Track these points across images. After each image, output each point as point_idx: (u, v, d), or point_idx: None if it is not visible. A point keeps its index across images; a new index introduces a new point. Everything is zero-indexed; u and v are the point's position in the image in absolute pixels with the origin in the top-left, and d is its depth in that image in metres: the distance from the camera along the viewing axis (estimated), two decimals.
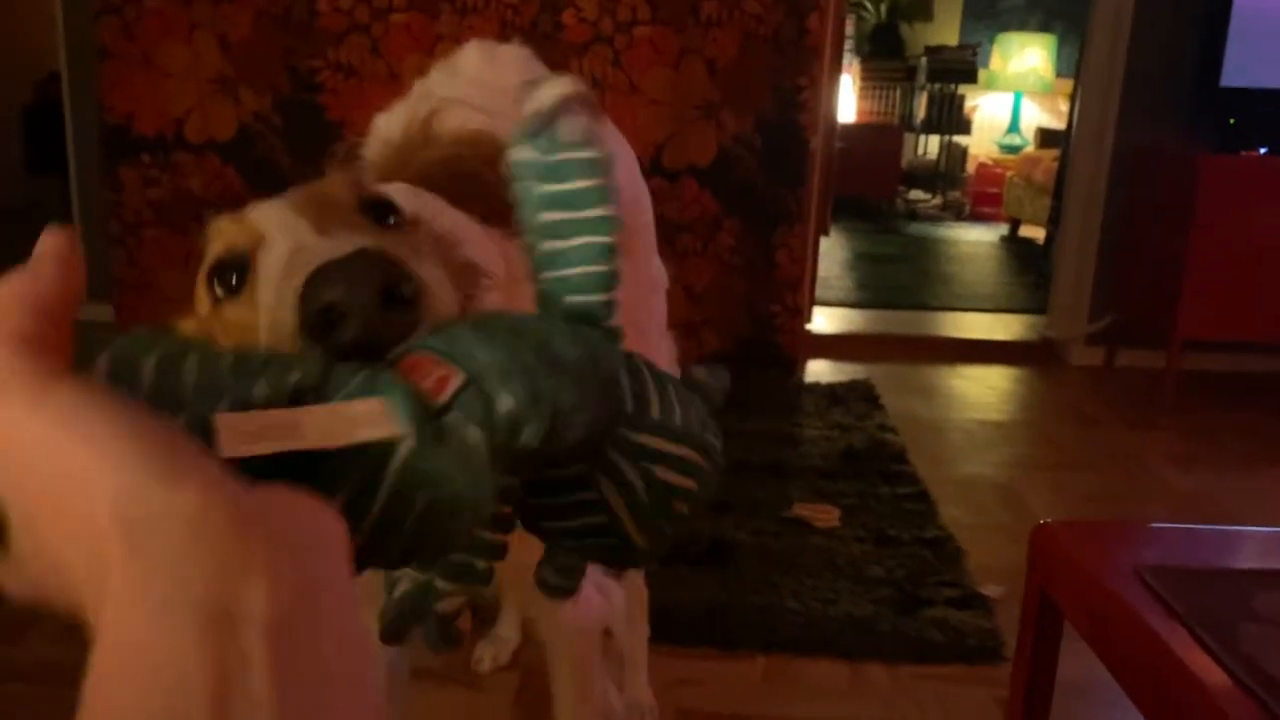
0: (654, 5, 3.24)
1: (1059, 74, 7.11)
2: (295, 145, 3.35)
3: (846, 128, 6.84)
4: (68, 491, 0.31)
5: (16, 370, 0.32)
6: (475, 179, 0.62)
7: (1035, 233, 6.24)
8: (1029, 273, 5.46)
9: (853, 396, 3.29)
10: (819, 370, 3.70)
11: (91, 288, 3.74)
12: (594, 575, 1.09)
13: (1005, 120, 7.53)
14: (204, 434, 0.37)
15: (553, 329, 0.47)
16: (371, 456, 0.40)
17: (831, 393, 3.32)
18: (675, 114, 3.29)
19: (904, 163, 7.48)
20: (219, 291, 0.58)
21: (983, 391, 3.64)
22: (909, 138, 7.60)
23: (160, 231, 3.41)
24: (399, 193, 0.68)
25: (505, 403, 0.43)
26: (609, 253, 0.52)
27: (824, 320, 4.22)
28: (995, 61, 7.31)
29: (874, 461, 2.75)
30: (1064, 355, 3.92)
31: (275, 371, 0.41)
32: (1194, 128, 3.63)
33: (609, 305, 0.52)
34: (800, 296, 3.53)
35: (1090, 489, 2.77)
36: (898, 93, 7.53)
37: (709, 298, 3.42)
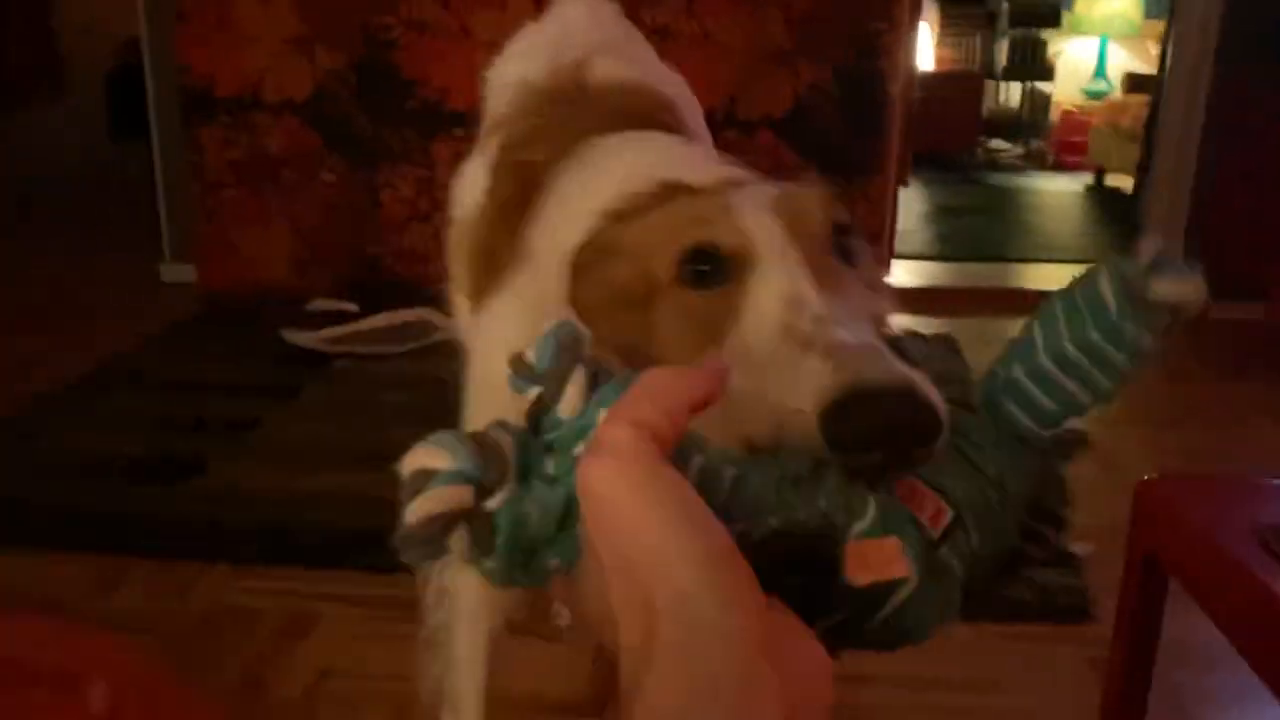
0: None
1: (1148, 16, 6.84)
2: (370, 103, 3.35)
3: (925, 76, 6.66)
4: (641, 564, 0.36)
5: (640, 452, 0.38)
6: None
7: (1122, 181, 6.03)
8: (1116, 222, 5.29)
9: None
10: (899, 325, 3.63)
11: (174, 248, 3.81)
12: None
13: (1090, 66, 7.26)
14: (754, 547, 0.41)
15: (1003, 455, 0.50)
16: (879, 588, 0.44)
17: None
18: (749, 63, 3.22)
19: (985, 111, 7.28)
20: (686, 274, 0.63)
21: None
22: (990, 85, 7.38)
23: (240, 192, 3.45)
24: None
25: (977, 542, 0.47)
26: (1081, 413, 0.53)
27: (904, 274, 4.13)
28: (1080, 4, 7.05)
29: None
30: None
31: (809, 494, 0.45)
32: None
33: (1062, 451, 0.55)
34: (880, 249, 3.45)
35: (1185, 444, 2.68)
36: (978, 39, 7.31)
37: None
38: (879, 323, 0.62)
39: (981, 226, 5.34)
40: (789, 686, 0.35)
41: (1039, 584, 1.91)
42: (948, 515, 0.46)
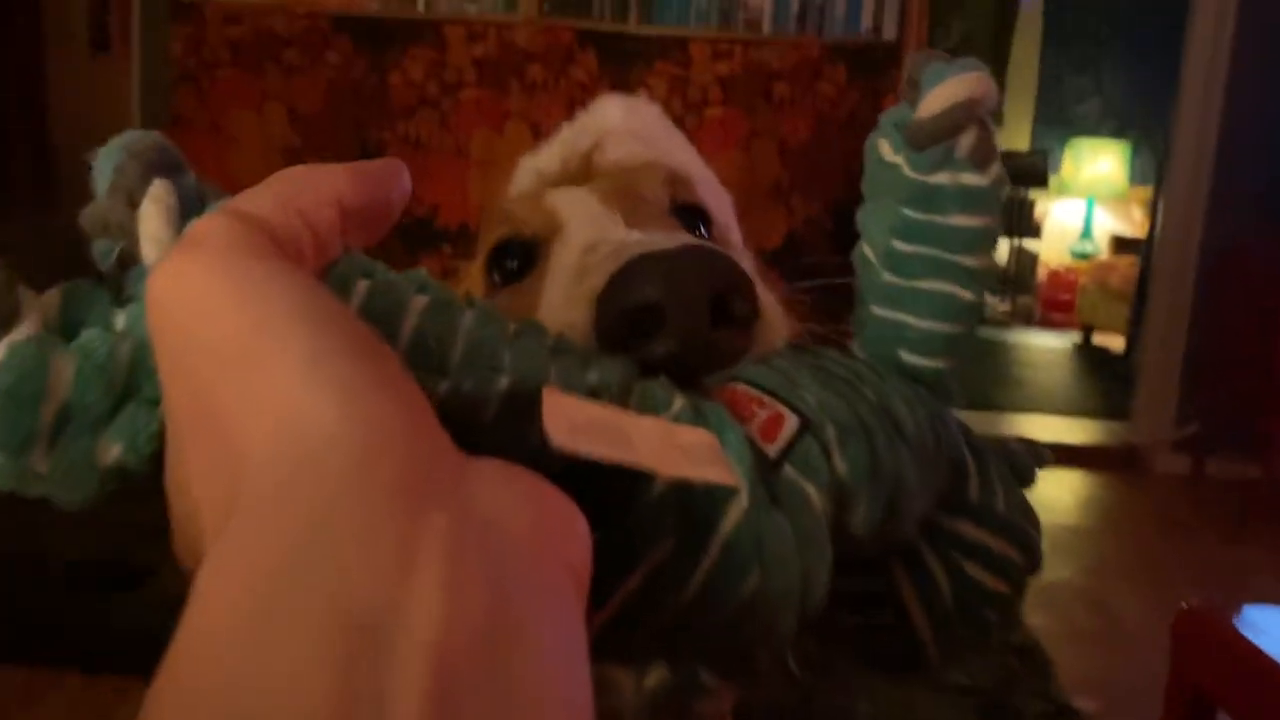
0: (725, 87, 3.20)
1: (1133, 182, 6.98)
2: None
3: None
4: (225, 389, 0.22)
5: (236, 242, 0.25)
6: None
7: (1109, 341, 6.05)
8: (1105, 379, 5.26)
9: None
10: None
11: None
12: None
13: (1077, 226, 7.39)
14: (474, 407, 0.28)
15: (890, 386, 0.36)
16: (694, 511, 0.29)
17: None
18: (745, 197, 3.21)
19: None
20: (497, 277, 0.52)
21: (1062, 495, 3.43)
22: None
23: None
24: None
25: (843, 466, 0.32)
26: (969, 314, 0.41)
27: None
28: (1067, 167, 7.20)
29: None
30: (1148, 462, 3.71)
31: (566, 363, 0.31)
32: None
33: (952, 376, 0.42)
34: None
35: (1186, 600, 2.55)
36: None
37: None
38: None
39: (971, 377, 5.25)
40: (504, 575, 0.20)
41: None
42: (790, 424, 0.31)
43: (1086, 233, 7.34)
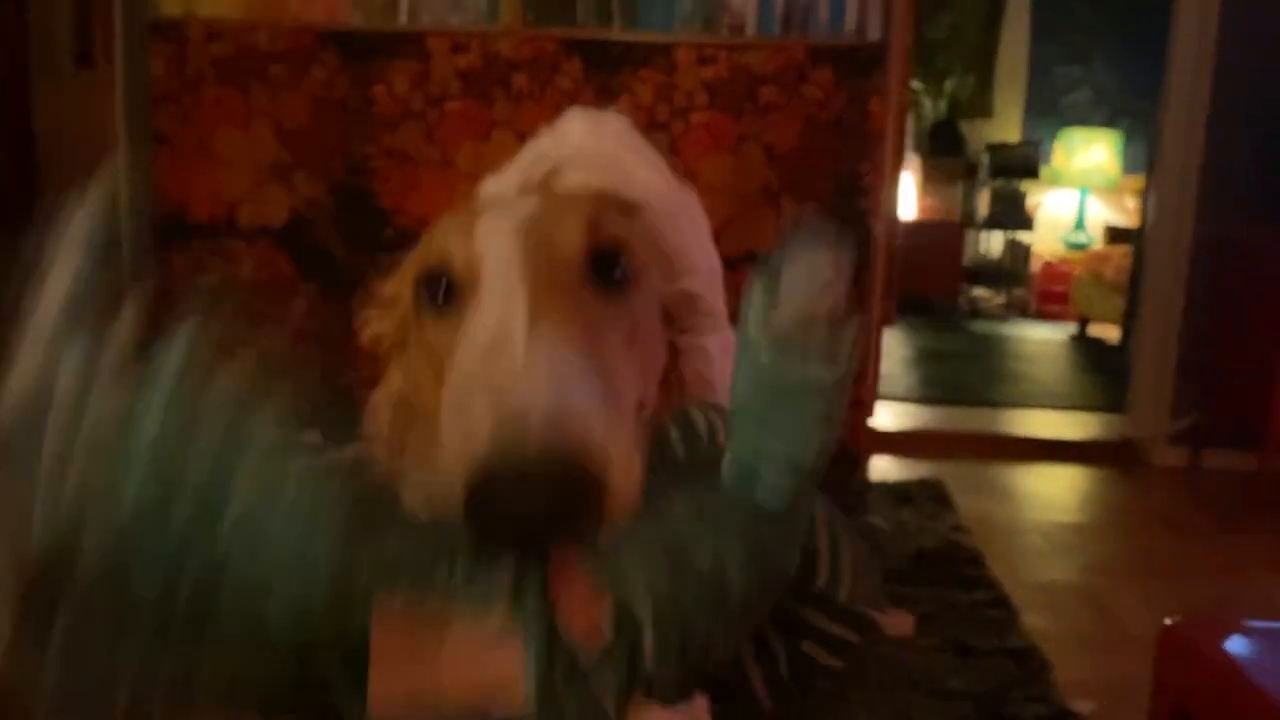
0: (711, 92, 3.19)
1: (1125, 170, 6.98)
2: (348, 231, 3.31)
3: (907, 224, 6.74)
4: None
5: None
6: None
7: (1105, 331, 6.04)
8: (1102, 371, 5.26)
9: (922, 496, 3.11)
10: (884, 468, 3.52)
11: None
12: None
13: (1070, 217, 7.38)
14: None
15: (724, 549, 0.44)
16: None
17: (900, 491, 3.15)
18: (733, 200, 3.20)
19: (966, 260, 7.35)
20: (424, 300, 0.61)
21: (1060, 492, 3.43)
22: (971, 235, 7.48)
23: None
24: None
25: (650, 658, 0.41)
26: (815, 447, 0.49)
27: (888, 416, 4.05)
28: (1058, 158, 7.20)
29: (948, 565, 2.56)
30: (1145, 455, 3.70)
31: (430, 560, 0.40)
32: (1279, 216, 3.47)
33: (800, 497, 0.49)
34: (863, 389, 3.37)
35: (1185, 598, 2.55)
36: (959, 190, 7.44)
37: None
38: (615, 361, 0.57)
39: (966, 371, 5.30)
40: None
41: None
42: (605, 637, 0.38)
43: (1080, 223, 7.33)
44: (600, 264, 0.60)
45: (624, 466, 0.46)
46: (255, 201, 3.31)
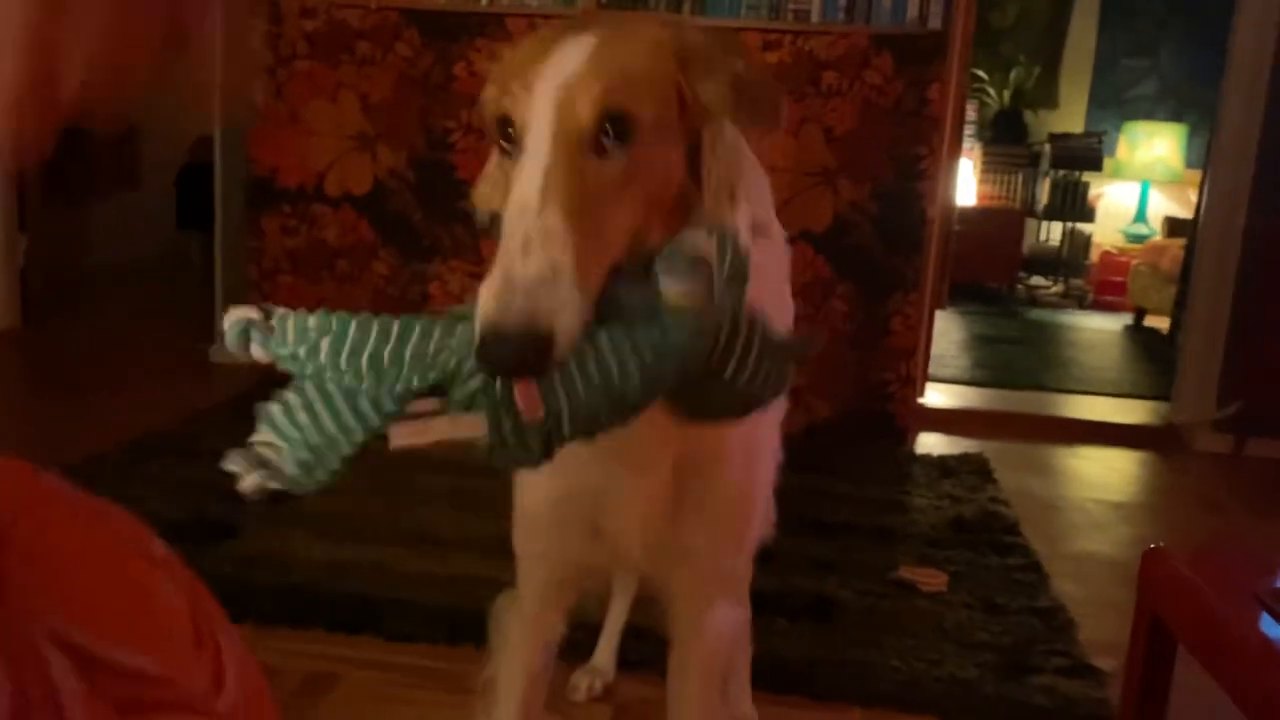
0: (775, 75, 3.32)
1: (1188, 165, 6.96)
2: (426, 200, 3.50)
3: (967, 211, 6.79)
4: None
5: None
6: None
7: (1162, 323, 6.06)
8: (1154, 360, 5.31)
9: (964, 469, 3.22)
10: (931, 443, 3.64)
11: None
12: (732, 599, 1.19)
13: (1131, 209, 7.38)
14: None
15: (628, 369, 0.73)
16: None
17: (943, 464, 3.27)
18: (792, 180, 3.34)
19: (1025, 248, 7.38)
20: (498, 138, 0.82)
21: (1101, 472, 3.53)
22: (1030, 224, 7.50)
23: (295, 279, 3.59)
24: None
25: (569, 427, 0.73)
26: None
27: (938, 396, 4.16)
28: (1122, 150, 7.20)
29: (984, 532, 2.69)
30: (1189, 441, 3.78)
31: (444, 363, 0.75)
32: None
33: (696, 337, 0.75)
34: (914, 366, 3.50)
35: None
36: (1020, 178, 7.46)
37: (818, 364, 3.42)
38: (592, 238, 0.76)
39: (1019, 357, 5.38)
40: None
41: (1060, 693, 1.89)
42: (538, 413, 0.71)
43: (1140, 215, 7.32)
44: (607, 128, 0.77)
45: (571, 324, 0.70)
46: (341, 170, 3.51)
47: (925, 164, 3.33)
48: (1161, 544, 1.06)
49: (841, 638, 2.05)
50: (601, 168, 0.77)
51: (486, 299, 0.70)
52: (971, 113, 7.14)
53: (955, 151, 4.28)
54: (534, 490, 1.06)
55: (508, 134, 0.79)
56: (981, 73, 7.40)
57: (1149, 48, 7.27)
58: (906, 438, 3.52)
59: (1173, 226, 6.89)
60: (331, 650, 1.91)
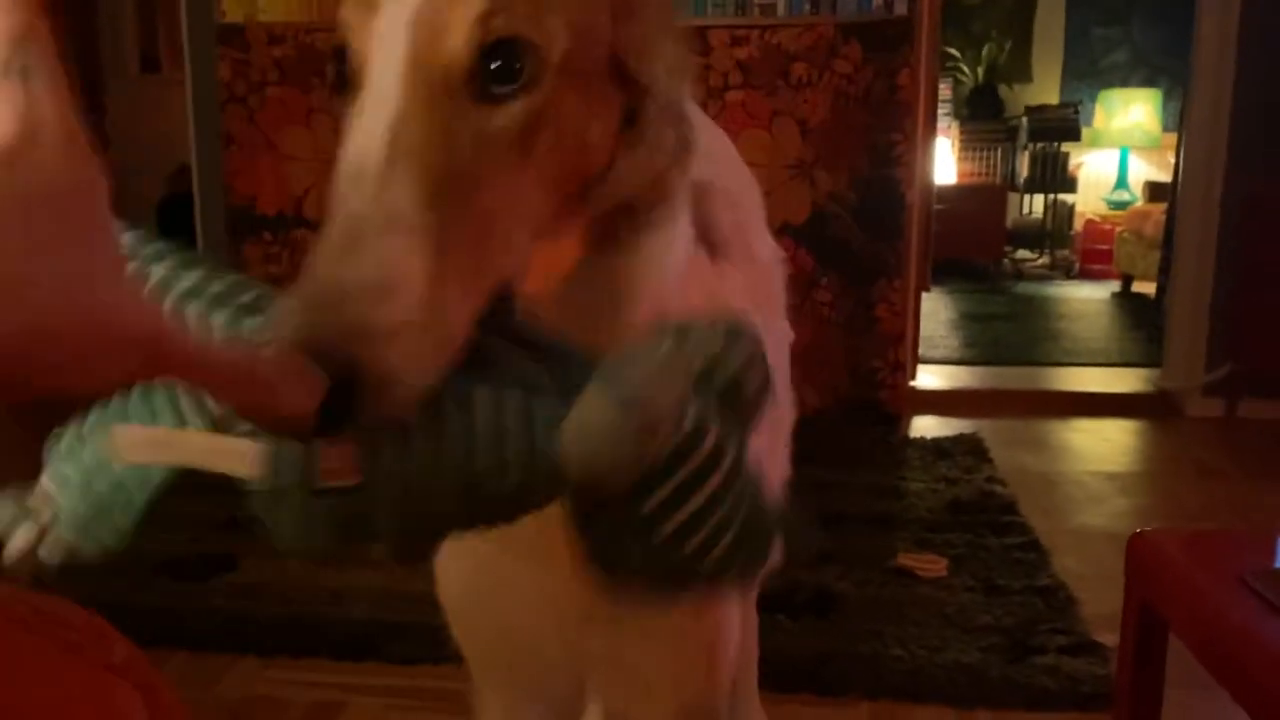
0: (745, 70, 3.32)
1: (1165, 129, 6.98)
2: None
3: (947, 189, 6.80)
4: None
5: None
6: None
7: (1148, 288, 6.08)
8: (1142, 327, 5.32)
9: (959, 450, 3.23)
10: (924, 426, 3.65)
11: None
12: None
13: (1112, 177, 7.40)
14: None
15: (489, 454, 0.48)
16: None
17: (937, 447, 3.28)
18: (769, 175, 3.34)
19: (1009, 223, 7.39)
20: (334, 74, 0.56)
21: (1096, 444, 3.54)
22: (1013, 198, 7.51)
23: None
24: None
25: (381, 525, 0.49)
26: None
27: (930, 377, 4.17)
28: (1099, 118, 7.21)
29: (982, 513, 2.70)
30: (1180, 406, 3.80)
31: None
32: None
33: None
34: (903, 351, 3.51)
35: None
36: (999, 153, 7.48)
37: (807, 356, 3.43)
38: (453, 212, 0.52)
39: (1008, 332, 5.39)
40: None
41: (1064, 672, 1.90)
42: (355, 479, 0.46)
43: (1122, 182, 7.34)
44: (493, 64, 0.52)
45: (417, 360, 0.46)
46: (320, 194, 3.51)
47: (900, 150, 3.34)
48: (1148, 528, 1.07)
49: (845, 631, 2.06)
50: (484, 121, 0.52)
51: (286, 311, 0.46)
52: (946, 91, 7.15)
53: (930, 135, 4.29)
54: (443, 574, 0.84)
55: (341, 73, 0.55)
56: (954, 50, 7.41)
57: (1120, 16, 7.29)
58: (899, 423, 3.53)
59: (1154, 191, 6.91)
60: (337, 678, 1.91)
